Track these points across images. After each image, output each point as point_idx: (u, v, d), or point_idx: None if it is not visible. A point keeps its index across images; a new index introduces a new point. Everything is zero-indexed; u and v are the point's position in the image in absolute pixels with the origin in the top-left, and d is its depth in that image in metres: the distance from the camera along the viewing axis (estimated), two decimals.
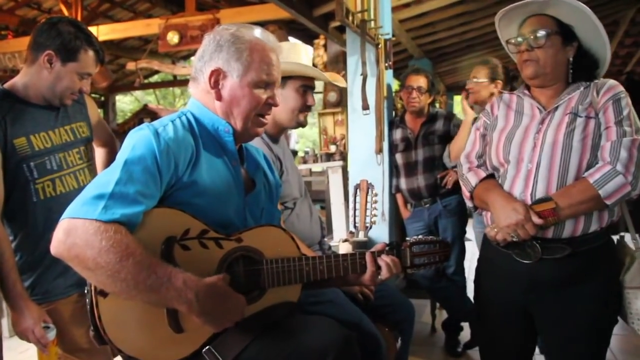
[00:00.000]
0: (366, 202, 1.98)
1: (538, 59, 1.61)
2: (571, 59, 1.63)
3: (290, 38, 5.84)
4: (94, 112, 2.06)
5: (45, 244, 1.72)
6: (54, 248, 1.17)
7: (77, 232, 1.13)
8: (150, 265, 1.14)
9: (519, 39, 1.65)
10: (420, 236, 1.56)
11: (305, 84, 1.97)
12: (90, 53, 1.80)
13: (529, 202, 1.57)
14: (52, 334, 1.71)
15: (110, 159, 2.17)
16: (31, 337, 1.67)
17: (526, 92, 1.73)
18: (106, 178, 1.19)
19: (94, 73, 1.85)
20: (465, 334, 3.40)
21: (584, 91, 1.62)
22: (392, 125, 3.48)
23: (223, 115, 1.40)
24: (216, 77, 1.37)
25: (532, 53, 1.62)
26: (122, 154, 1.24)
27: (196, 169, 1.30)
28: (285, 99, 1.91)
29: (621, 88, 1.59)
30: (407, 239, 1.54)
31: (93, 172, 1.94)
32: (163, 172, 1.23)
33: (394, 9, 4.32)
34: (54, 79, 1.76)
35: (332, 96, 5.91)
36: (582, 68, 1.64)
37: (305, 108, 1.99)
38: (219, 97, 1.39)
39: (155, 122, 1.32)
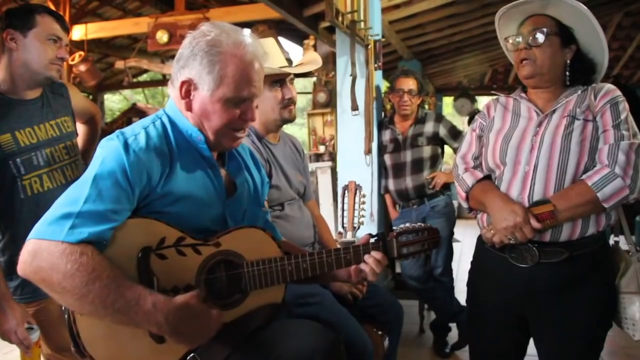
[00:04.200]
0: (354, 202, 1.98)
1: (535, 58, 1.60)
2: (569, 62, 1.63)
3: (280, 38, 5.83)
4: (78, 99, 2.04)
5: None
6: (20, 270, 1.14)
7: (43, 255, 1.10)
8: (118, 288, 1.12)
9: (518, 38, 1.64)
10: (407, 224, 1.50)
11: (275, 79, 1.93)
12: (48, 17, 1.78)
13: (527, 204, 1.56)
14: (35, 335, 1.68)
15: (91, 133, 2.17)
16: (13, 338, 1.64)
17: (523, 95, 1.71)
18: (75, 194, 1.16)
19: (63, 37, 1.82)
20: (453, 334, 3.41)
21: (581, 95, 1.61)
22: (381, 126, 3.48)
23: (195, 125, 1.33)
24: (187, 87, 1.29)
25: (530, 52, 1.61)
26: (92, 168, 1.19)
27: (171, 177, 1.26)
28: (262, 100, 1.86)
29: (619, 92, 1.59)
30: (394, 228, 1.50)
31: (80, 167, 1.92)
32: (134, 185, 1.19)
33: (384, 10, 4.33)
34: (23, 54, 1.74)
35: (322, 97, 5.90)
36: (580, 72, 1.63)
37: (286, 102, 1.96)
38: (189, 108, 1.32)
39: (127, 130, 1.26)
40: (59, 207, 1.15)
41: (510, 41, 1.66)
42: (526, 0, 1.60)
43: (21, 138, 1.73)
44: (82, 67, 6.01)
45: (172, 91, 1.37)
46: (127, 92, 14.65)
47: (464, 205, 1.79)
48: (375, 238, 1.47)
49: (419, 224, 1.51)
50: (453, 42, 6.32)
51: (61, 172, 1.83)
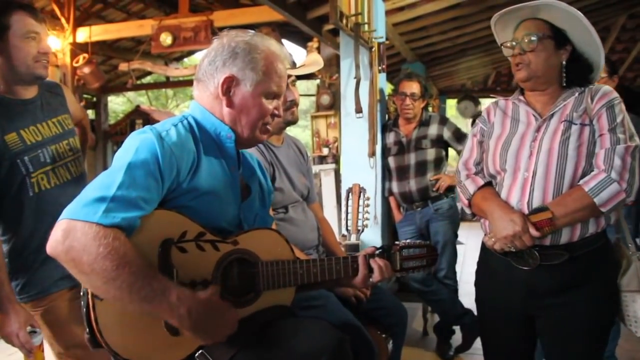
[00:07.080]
0: (358, 205, 1.98)
1: (530, 62, 1.62)
2: (564, 62, 1.63)
3: (283, 41, 5.83)
4: (71, 100, 2.05)
5: (35, 239, 1.71)
6: (51, 248, 1.14)
7: (76, 235, 1.11)
8: (146, 276, 1.13)
9: (513, 43, 1.65)
10: (409, 240, 1.58)
11: None
12: (21, 15, 1.72)
13: (526, 211, 1.57)
14: (38, 339, 1.68)
15: (82, 136, 2.15)
16: (15, 341, 1.65)
17: (521, 98, 1.72)
18: (108, 180, 1.17)
19: (42, 32, 1.77)
20: (457, 337, 3.39)
21: (578, 97, 1.62)
22: (385, 129, 3.48)
23: (230, 122, 1.39)
24: (229, 84, 1.36)
25: (524, 57, 1.62)
26: (125, 156, 1.21)
27: (196, 174, 1.30)
28: None
29: (615, 94, 1.59)
30: (397, 242, 1.56)
31: (82, 164, 1.94)
32: (165, 177, 1.22)
33: (388, 13, 4.32)
34: (6, 58, 1.72)
35: (325, 99, 5.91)
36: (576, 72, 1.64)
37: (288, 104, 1.97)
38: (229, 104, 1.37)
39: (158, 126, 1.30)
40: (92, 190, 1.17)
41: (508, 45, 1.68)
42: (517, 6, 1.62)
43: (27, 136, 1.74)
44: (86, 70, 6.03)
45: (202, 91, 1.41)
46: (130, 94, 14.68)
47: (467, 211, 1.81)
48: (380, 250, 1.53)
49: (419, 241, 1.61)
50: (457, 44, 6.31)
51: (66, 169, 1.84)
